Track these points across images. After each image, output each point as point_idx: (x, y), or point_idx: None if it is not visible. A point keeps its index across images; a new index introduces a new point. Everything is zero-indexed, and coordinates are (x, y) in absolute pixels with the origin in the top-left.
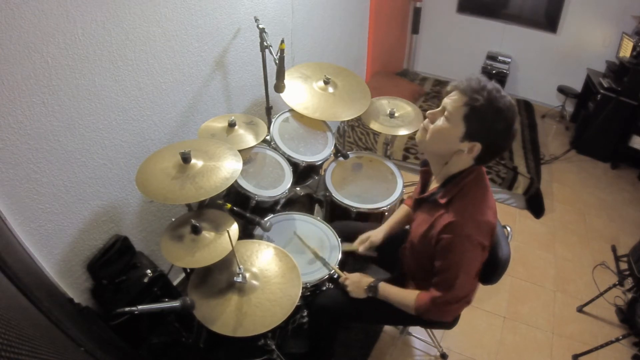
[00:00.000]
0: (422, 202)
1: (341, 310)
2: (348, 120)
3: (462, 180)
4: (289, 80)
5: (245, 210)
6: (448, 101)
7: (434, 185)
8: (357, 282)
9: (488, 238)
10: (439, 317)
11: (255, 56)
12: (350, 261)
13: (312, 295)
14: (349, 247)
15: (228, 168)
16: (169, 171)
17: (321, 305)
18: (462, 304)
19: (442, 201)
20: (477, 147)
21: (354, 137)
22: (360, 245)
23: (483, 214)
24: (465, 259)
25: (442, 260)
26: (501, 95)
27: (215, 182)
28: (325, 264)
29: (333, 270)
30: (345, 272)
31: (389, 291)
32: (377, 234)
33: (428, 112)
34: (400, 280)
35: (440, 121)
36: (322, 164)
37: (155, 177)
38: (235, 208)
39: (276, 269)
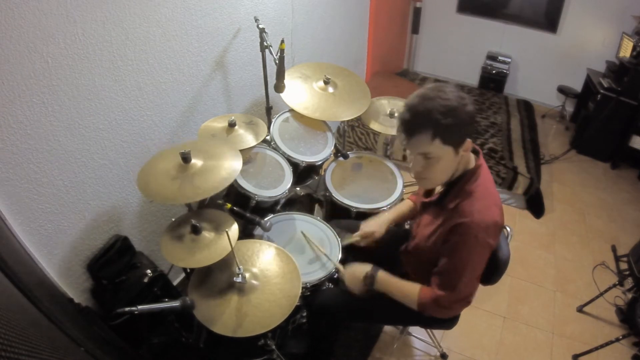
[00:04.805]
0: (428, 205)
1: (341, 310)
2: (348, 120)
3: (466, 184)
4: (289, 80)
5: (245, 210)
6: (421, 149)
7: (439, 188)
8: (352, 273)
9: (496, 238)
10: (439, 315)
11: (255, 56)
12: (350, 259)
13: (312, 295)
14: (348, 239)
15: (228, 168)
16: (169, 171)
17: (320, 305)
18: (463, 303)
19: (451, 205)
20: (467, 141)
21: (354, 137)
22: (362, 239)
23: (491, 214)
24: (471, 260)
25: (448, 259)
26: (430, 98)
27: (215, 182)
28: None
29: (334, 268)
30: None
31: (389, 282)
32: (380, 228)
33: (412, 169)
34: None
35: (435, 164)
36: (322, 164)
37: (155, 177)
38: (235, 208)
39: (276, 269)
